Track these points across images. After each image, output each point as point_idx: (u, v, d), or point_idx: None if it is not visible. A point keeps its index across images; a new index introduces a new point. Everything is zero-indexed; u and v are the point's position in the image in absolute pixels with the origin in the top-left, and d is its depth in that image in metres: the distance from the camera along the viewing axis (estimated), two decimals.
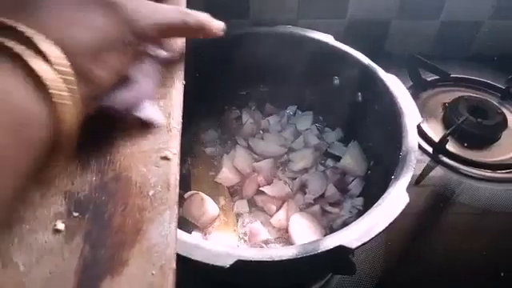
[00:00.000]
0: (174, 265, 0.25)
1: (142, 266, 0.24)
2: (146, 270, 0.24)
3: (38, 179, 0.25)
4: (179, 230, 0.42)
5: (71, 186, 0.27)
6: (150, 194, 0.27)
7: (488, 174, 0.73)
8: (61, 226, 0.25)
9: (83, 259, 0.24)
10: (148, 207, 0.26)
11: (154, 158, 0.29)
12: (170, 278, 0.24)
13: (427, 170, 0.73)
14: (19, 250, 0.24)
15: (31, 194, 0.26)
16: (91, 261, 0.24)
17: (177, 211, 0.27)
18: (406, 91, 0.56)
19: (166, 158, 0.29)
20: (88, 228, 0.25)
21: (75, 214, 0.26)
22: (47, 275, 0.23)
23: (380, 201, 0.45)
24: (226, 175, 0.67)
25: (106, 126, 0.30)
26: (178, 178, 0.28)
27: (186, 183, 0.68)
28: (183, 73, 0.35)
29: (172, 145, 0.30)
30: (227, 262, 0.38)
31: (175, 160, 0.29)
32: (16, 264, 0.23)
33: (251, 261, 0.39)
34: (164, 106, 0.32)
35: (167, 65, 0.34)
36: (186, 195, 0.64)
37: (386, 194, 0.45)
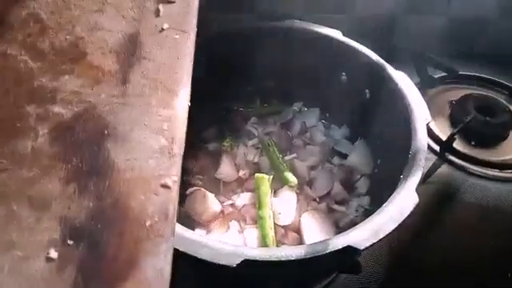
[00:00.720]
0: None
1: None
2: None
3: (33, 201, 0.25)
4: (184, 228, 0.42)
5: (68, 210, 0.26)
6: (147, 224, 0.26)
7: (495, 173, 0.72)
8: (54, 254, 0.24)
9: None
10: (144, 238, 0.26)
11: (154, 185, 0.28)
12: None
13: (433, 168, 0.72)
14: (9, 278, 0.23)
15: (27, 217, 0.25)
16: None
17: (172, 243, 0.26)
18: (416, 89, 0.55)
19: (165, 186, 0.28)
20: (82, 258, 0.24)
21: (70, 242, 0.25)
22: None
23: (389, 201, 0.44)
24: (228, 171, 0.66)
25: (105, 148, 0.29)
26: (176, 207, 0.28)
27: (188, 179, 0.67)
28: (189, 91, 0.34)
29: (173, 171, 0.29)
30: (234, 262, 0.38)
31: (175, 188, 0.28)
32: None
33: (258, 260, 0.38)
34: (168, 130, 0.30)
35: (173, 83, 0.33)
36: (188, 191, 0.64)
37: (394, 194, 0.45)
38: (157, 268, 0.25)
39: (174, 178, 0.28)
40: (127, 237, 0.25)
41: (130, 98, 0.32)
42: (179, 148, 0.30)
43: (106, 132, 0.30)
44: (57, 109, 0.30)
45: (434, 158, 0.73)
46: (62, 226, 0.25)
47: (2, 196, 0.26)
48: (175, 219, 0.27)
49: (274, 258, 0.38)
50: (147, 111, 0.31)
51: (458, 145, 0.74)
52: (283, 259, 0.38)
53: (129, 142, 0.29)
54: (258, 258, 0.38)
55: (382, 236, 0.40)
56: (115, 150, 0.29)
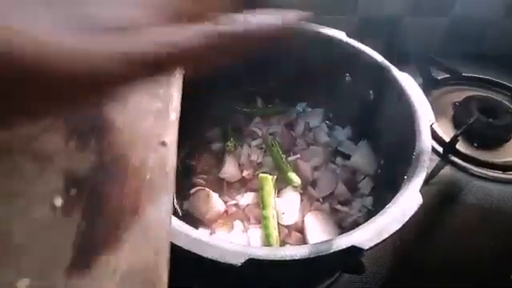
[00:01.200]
0: (168, 246, 0.25)
1: (138, 244, 0.25)
2: (142, 248, 0.25)
3: (36, 155, 0.26)
4: (188, 227, 0.42)
5: (70, 164, 0.27)
6: (148, 177, 0.27)
7: (497, 174, 0.72)
8: (58, 201, 0.25)
9: (80, 234, 0.24)
10: (145, 190, 0.27)
11: (153, 143, 0.29)
12: (165, 258, 0.25)
13: (436, 169, 0.72)
14: (17, 224, 0.24)
15: (30, 170, 0.26)
16: (88, 237, 0.24)
17: (172, 196, 0.27)
18: (420, 91, 0.55)
19: (163, 144, 0.29)
20: (85, 205, 0.26)
21: (73, 191, 0.26)
22: (44, 247, 0.23)
23: (393, 201, 0.44)
24: (231, 171, 0.67)
25: (103, 111, 0.30)
26: (174, 164, 0.29)
27: (191, 179, 0.68)
28: None
29: (170, 132, 0.30)
30: (238, 261, 0.38)
31: (173, 147, 0.29)
32: (12, 236, 0.24)
33: (263, 260, 0.38)
34: (163, 95, 0.32)
35: None
36: (191, 191, 0.64)
37: (398, 195, 0.45)
38: (158, 214, 0.26)
39: (171, 138, 0.30)
40: (128, 188, 0.27)
41: None
42: (175, 111, 0.31)
43: None
44: None
45: (436, 159, 0.74)
46: (64, 177, 0.26)
47: (5, 151, 0.27)
48: (174, 175, 0.28)
49: (278, 258, 0.39)
50: None
51: (460, 146, 0.74)
52: (288, 259, 0.39)
53: (126, 106, 0.31)
54: (262, 258, 0.38)
55: (385, 236, 0.41)
56: (113, 113, 0.30)
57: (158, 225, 0.25)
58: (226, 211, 0.62)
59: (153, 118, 0.30)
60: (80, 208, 0.25)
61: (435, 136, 0.76)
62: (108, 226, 0.25)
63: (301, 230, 0.59)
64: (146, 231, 0.25)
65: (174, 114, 0.31)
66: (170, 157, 0.29)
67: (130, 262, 0.24)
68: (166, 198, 0.27)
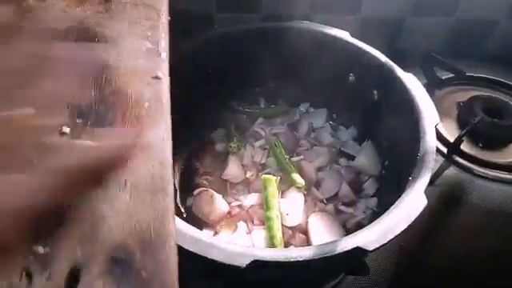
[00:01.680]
0: (171, 161, 0.28)
1: (143, 160, 0.28)
2: (148, 163, 0.28)
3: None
4: (194, 228, 0.42)
5: (72, 99, 0.30)
6: (146, 105, 0.30)
7: (502, 175, 0.72)
8: (66, 129, 0.28)
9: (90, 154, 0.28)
10: (145, 116, 0.30)
11: (147, 77, 0.32)
12: (169, 171, 0.27)
13: (441, 169, 0.72)
14: (30, 150, 0.27)
15: (35, 105, 0.29)
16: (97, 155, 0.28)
17: (170, 122, 0.30)
18: (425, 91, 0.55)
19: (157, 78, 0.32)
20: (92, 129, 0.29)
21: (78, 121, 0.29)
22: (57, 167, 0.27)
23: (397, 202, 0.44)
24: (235, 172, 0.67)
25: (97, 51, 0.33)
26: (169, 95, 0.32)
27: (194, 180, 0.67)
28: (168, 9, 0.38)
29: (162, 67, 0.33)
30: (243, 262, 0.38)
31: (166, 80, 0.32)
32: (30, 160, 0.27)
33: (267, 261, 0.38)
34: (152, 36, 0.35)
35: (152, 1, 0.37)
36: (195, 192, 0.64)
37: (403, 196, 0.44)
38: (159, 136, 0.29)
39: (164, 72, 0.32)
40: (129, 115, 0.30)
41: (114, 13, 0.36)
42: (165, 51, 0.34)
43: (96, 39, 0.34)
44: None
45: (441, 159, 0.73)
46: (69, 110, 0.30)
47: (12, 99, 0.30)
48: (169, 104, 0.31)
49: (283, 259, 0.39)
50: (131, 22, 0.36)
51: (465, 146, 0.74)
52: (293, 260, 0.38)
53: (118, 46, 0.34)
54: (267, 259, 0.38)
55: (390, 238, 0.41)
56: (107, 53, 0.33)
57: (160, 143, 0.28)
58: (229, 212, 0.62)
59: (144, 56, 0.33)
60: (87, 132, 0.28)
61: (439, 136, 0.75)
62: (115, 147, 0.28)
63: (305, 232, 0.59)
64: (150, 148, 0.28)
65: (164, 53, 0.34)
66: (165, 89, 0.32)
67: (138, 174, 0.27)
68: (165, 122, 0.30)
